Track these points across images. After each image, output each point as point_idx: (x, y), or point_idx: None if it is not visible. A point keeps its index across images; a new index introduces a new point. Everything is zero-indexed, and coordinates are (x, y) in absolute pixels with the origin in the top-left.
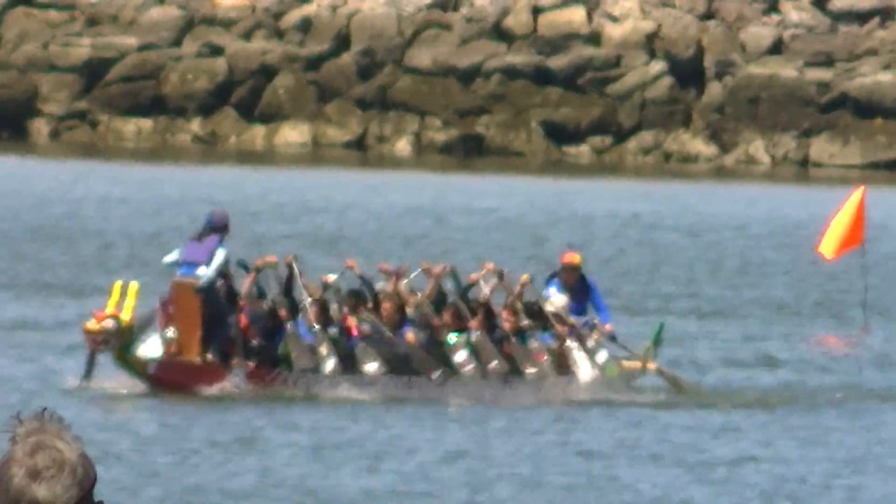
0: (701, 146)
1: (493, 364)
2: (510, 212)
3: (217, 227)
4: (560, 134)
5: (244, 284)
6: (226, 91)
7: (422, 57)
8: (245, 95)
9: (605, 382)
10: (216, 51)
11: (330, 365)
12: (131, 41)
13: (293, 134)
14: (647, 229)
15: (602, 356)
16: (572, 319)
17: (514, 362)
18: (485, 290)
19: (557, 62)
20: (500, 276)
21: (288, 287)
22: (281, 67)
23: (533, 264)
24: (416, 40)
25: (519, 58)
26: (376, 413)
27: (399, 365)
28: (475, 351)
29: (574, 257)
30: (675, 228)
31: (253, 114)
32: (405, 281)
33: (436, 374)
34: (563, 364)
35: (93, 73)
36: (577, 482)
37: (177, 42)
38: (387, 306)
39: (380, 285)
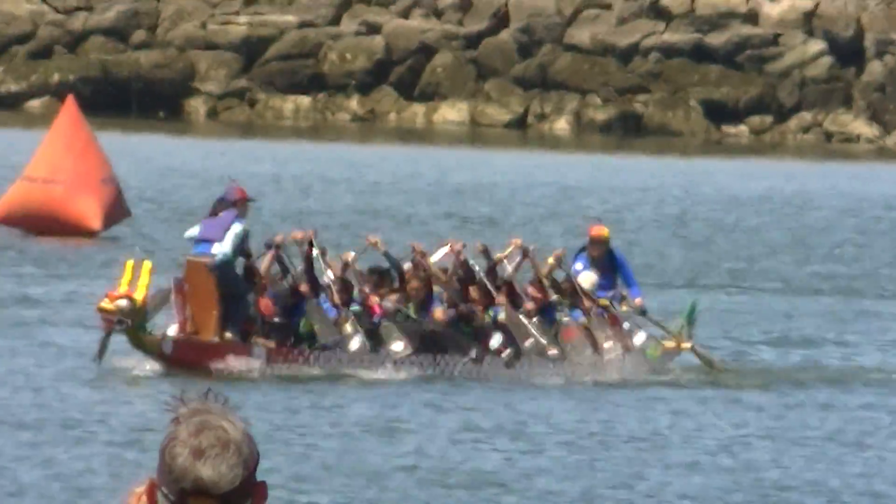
0: (863, 127)
1: (528, 342)
2: (666, 192)
3: (231, 201)
4: (719, 113)
5: (264, 262)
6: (384, 69)
7: (581, 35)
8: (404, 74)
9: (645, 364)
10: (374, 29)
11: (356, 343)
12: (290, 19)
13: (452, 112)
14: (804, 209)
15: (640, 337)
16: (604, 300)
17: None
18: (508, 268)
19: (715, 40)
20: (525, 252)
21: (308, 263)
22: (439, 46)
23: (680, 244)
24: (576, 19)
25: (677, 36)
26: (404, 391)
27: (427, 343)
28: (504, 328)
29: (602, 230)
30: (832, 208)
31: (412, 92)
32: (434, 258)
33: (471, 353)
34: (593, 342)
35: (251, 51)
36: (608, 466)
37: (335, 20)
38: (413, 284)
39: (407, 265)
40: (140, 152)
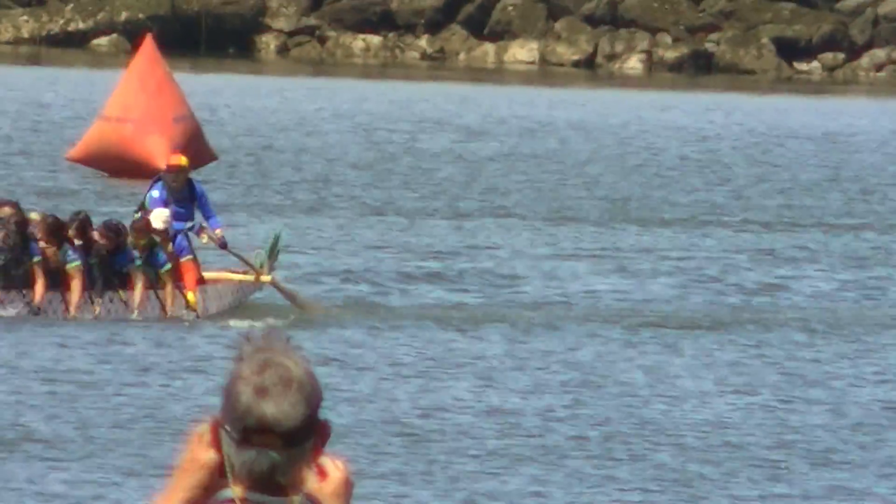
0: None
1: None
2: (738, 130)
3: None
4: (791, 50)
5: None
6: (454, 8)
7: None
8: (474, 13)
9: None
10: None
11: None
12: None
13: (522, 52)
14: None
15: None
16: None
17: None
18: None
19: None
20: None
21: None
22: None
23: (752, 184)
24: None
25: None
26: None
27: None
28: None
29: (179, 159)
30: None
31: (482, 31)
32: None
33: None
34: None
35: None
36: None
37: None
38: None
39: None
40: (209, 90)
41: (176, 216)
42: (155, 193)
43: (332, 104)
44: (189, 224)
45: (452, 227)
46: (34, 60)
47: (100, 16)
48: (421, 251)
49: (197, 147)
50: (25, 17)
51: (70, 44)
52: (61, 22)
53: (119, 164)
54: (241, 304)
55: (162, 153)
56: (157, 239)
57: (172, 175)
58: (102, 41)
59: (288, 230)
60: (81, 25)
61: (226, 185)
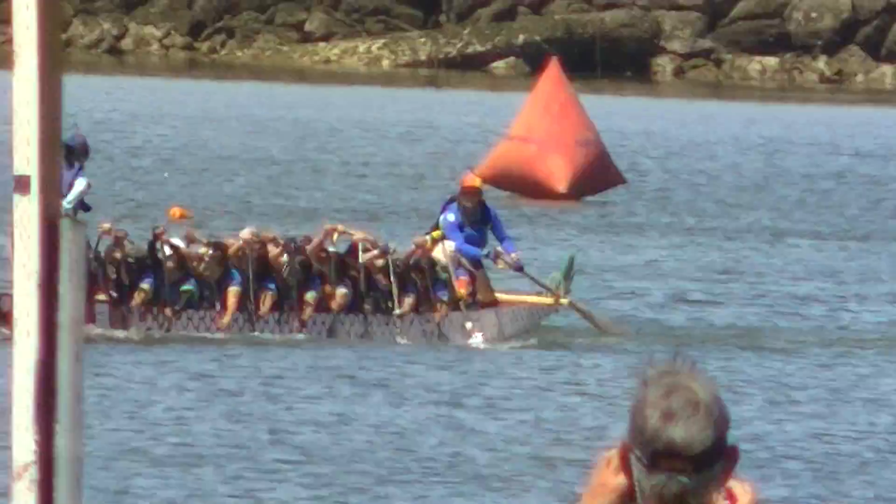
0: None
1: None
2: None
3: (76, 153)
4: None
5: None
6: (852, 28)
7: None
8: (871, 33)
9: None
10: None
11: None
12: None
13: None
14: None
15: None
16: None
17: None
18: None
19: None
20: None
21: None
22: None
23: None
24: None
25: None
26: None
27: None
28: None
29: (474, 180)
30: None
31: (879, 52)
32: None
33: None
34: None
35: (716, 10)
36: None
37: None
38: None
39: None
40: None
41: (469, 240)
42: (451, 217)
43: (727, 128)
44: (484, 252)
45: (847, 250)
46: (432, 83)
47: (497, 39)
48: (814, 274)
49: (603, 170)
50: (423, 40)
51: (467, 66)
52: (459, 45)
53: (520, 184)
54: (535, 327)
55: (562, 175)
56: (444, 274)
57: (467, 197)
58: (500, 64)
59: (579, 253)
60: (479, 48)
61: (628, 207)
